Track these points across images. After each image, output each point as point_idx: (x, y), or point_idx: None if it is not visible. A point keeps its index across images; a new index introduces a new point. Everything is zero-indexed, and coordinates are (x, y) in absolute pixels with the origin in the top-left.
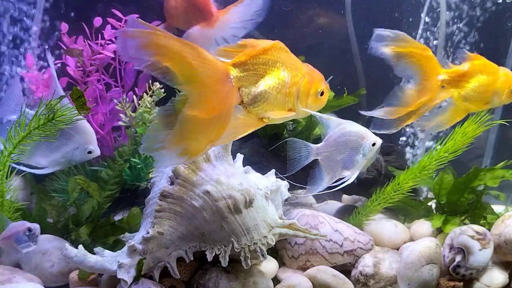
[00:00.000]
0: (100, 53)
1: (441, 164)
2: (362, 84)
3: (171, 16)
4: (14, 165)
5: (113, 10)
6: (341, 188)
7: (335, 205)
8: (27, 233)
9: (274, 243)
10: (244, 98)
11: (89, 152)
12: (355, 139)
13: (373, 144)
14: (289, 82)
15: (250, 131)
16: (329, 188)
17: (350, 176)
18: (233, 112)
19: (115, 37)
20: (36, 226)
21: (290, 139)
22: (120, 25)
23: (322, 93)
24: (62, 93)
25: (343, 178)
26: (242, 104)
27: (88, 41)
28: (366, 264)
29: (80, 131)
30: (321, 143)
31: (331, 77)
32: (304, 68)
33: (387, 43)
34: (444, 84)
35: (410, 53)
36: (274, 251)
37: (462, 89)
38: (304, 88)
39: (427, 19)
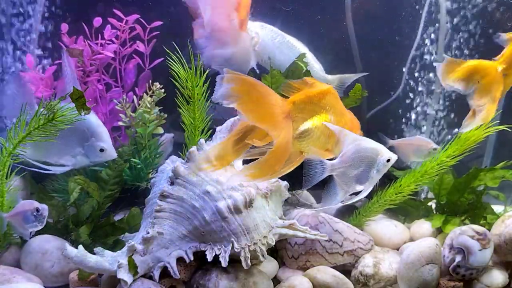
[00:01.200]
0: (100, 53)
1: (443, 168)
2: (362, 85)
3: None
4: (23, 167)
5: (114, 10)
6: (354, 202)
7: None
8: (35, 213)
9: (274, 243)
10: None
11: (101, 150)
12: (370, 155)
13: (388, 160)
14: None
15: (293, 167)
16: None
17: (365, 190)
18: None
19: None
20: (44, 207)
21: (306, 157)
22: (120, 25)
23: None
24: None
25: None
26: None
27: (88, 41)
28: (366, 264)
29: (90, 127)
30: (336, 160)
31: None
32: (348, 115)
33: (448, 77)
34: (506, 72)
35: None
36: (274, 251)
37: None
38: None
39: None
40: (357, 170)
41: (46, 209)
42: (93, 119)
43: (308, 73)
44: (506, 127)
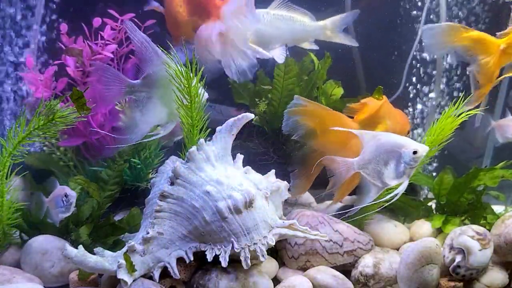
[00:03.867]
0: (99, 54)
1: (426, 161)
2: (362, 85)
3: (176, 26)
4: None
5: (109, 10)
6: (393, 200)
7: (335, 205)
8: (63, 199)
9: (274, 243)
10: None
11: None
12: (392, 149)
13: (414, 152)
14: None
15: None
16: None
17: (401, 185)
18: None
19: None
20: (72, 194)
21: (327, 157)
22: (117, 25)
23: None
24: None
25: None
26: None
27: (88, 41)
28: (366, 264)
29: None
30: (358, 157)
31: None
32: (399, 116)
33: (437, 39)
34: (509, 50)
35: (461, 40)
36: (274, 251)
37: None
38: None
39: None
40: (385, 166)
41: (74, 196)
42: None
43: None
44: (477, 111)
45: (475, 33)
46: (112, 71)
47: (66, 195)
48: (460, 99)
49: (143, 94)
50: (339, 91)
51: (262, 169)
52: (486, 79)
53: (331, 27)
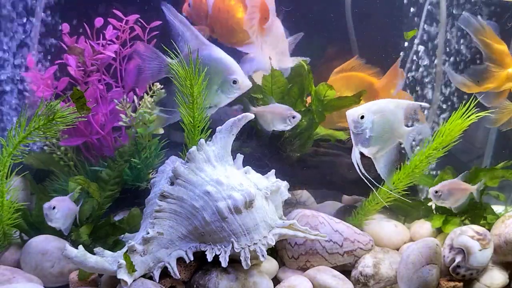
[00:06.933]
0: (101, 53)
1: (432, 161)
2: None
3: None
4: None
5: (113, 10)
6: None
7: (335, 205)
8: (47, 212)
9: (274, 243)
10: None
11: (235, 82)
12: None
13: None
14: None
15: None
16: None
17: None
18: None
19: None
20: (61, 207)
21: None
22: (121, 25)
23: None
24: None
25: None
26: None
27: (90, 41)
28: (366, 264)
29: (219, 63)
30: None
31: None
32: None
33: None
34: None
35: (488, 44)
36: (274, 252)
37: None
38: None
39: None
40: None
41: (64, 209)
42: (216, 54)
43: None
44: (486, 113)
45: (500, 47)
46: (152, 49)
47: (53, 208)
48: (470, 101)
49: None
50: (332, 93)
51: (262, 169)
52: (489, 84)
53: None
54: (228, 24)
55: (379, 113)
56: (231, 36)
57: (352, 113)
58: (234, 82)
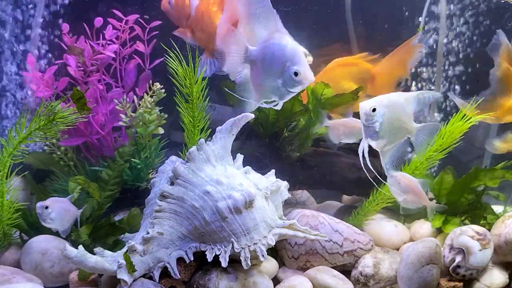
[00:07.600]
0: (101, 53)
1: (433, 163)
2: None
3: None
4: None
5: (113, 10)
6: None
7: (335, 205)
8: (40, 211)
9: (274, 243)
10: None
11: (296, 74)
12: None
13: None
14: None
15: None
16: None
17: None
18: None
19: None
20: (54, 208)
21: None
22: (120, 25)
23: None
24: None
25: None
26: None
27: (89, 41)
28: (366, 264)
29: (284, 53)
30: None
31: None
32: None
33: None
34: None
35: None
36: (274, 251)
37: None
38: None
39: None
40: None
41: (57, 210)
42: (284, 42)
43: None
44: (487, 114)
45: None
46: (237, 32)
47: (46, 207)
48: (470, 103)
49: (259, 64)
50: (329, 92)
51: (262, 169)
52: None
53: None
54: (209, 30)
55: (391, 107)
56: (211, 43)
57: (364, 106)
58: (296, 74)
